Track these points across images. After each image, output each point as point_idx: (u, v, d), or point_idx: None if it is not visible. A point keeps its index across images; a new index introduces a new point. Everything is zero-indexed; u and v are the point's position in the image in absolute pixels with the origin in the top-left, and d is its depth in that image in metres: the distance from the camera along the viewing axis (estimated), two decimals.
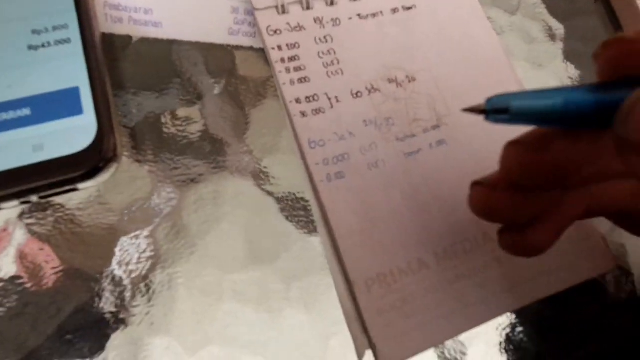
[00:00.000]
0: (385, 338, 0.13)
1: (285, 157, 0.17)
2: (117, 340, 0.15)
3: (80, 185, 0.15)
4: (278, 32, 0.17)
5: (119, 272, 0.15)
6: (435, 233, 0.15)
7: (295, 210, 0.17)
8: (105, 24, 0.18)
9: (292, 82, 0.16)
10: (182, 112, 0.18)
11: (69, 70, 0.15)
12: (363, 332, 0.14)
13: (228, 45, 0.19)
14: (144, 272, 0.16)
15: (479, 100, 0.17)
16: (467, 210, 0.13)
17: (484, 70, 0.18)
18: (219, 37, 0.18)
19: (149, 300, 0.15)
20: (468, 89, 0.18)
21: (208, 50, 0.18)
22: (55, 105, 0.15)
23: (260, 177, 0.17)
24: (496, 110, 0.11)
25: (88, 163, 0.14)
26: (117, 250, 0.16)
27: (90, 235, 0.16)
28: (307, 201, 0.17)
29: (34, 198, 0.14)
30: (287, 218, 0.17)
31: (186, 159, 0.17)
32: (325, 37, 0.17)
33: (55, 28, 0.16)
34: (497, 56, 0.19)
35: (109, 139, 0.15)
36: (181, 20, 0.18)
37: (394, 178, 0.16)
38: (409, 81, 0.17)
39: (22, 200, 0.14)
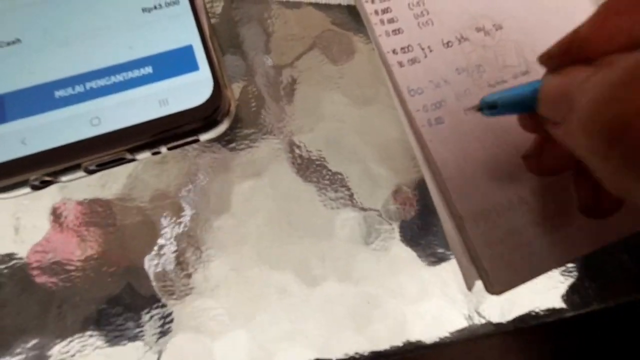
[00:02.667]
0: (496, 268, 0.14)
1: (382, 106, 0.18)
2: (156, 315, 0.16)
3: (201, 137, 0.16)
4: None
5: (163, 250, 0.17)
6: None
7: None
8: None
9: (387, 34, 0.17)
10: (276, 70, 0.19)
11: (181, 29, 0.16)
12: (472, 263, 0.15)
13: (317, 3, 0.19)
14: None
15: None
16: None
17: (568, 14, 0.18)
18: None
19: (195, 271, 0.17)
20: (554, 34, 0.18)
21: (298, 7, 0.19)
22: (173, 63, 0.16)
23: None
24: (488, 106, 0.14)
25: (208, 115, 0.16)
26: (161, 229, 0.17)
27: (138, 214, 0.17)
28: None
29: (164, 149, 0.16)
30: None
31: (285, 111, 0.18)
32: None
33: None
34: (582, 2, 0.19)
35: (225, 92, 0.16)
36: None
37: (487, 122, 0.17)
38: (496, 29, 0.18)
39: (153, 150, 0.16)
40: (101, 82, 0.16)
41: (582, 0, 0.19)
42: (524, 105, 0.13)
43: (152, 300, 0.16)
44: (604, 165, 0.10)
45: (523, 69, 0.18)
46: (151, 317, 0.16)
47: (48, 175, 0.15)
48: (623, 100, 0.09)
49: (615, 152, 0.10)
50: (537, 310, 0.17)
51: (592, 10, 0.11)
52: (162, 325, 0.16)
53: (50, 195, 0.17)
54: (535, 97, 0.12)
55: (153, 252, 0.16)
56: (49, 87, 0.15)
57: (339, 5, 0.20)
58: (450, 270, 0.17)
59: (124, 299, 0.16)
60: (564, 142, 0.12)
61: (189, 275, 0.16)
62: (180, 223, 0.17)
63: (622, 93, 0.09)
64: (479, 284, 0.15)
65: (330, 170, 0.18)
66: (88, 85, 0.15)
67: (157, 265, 0.16)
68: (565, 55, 0.12)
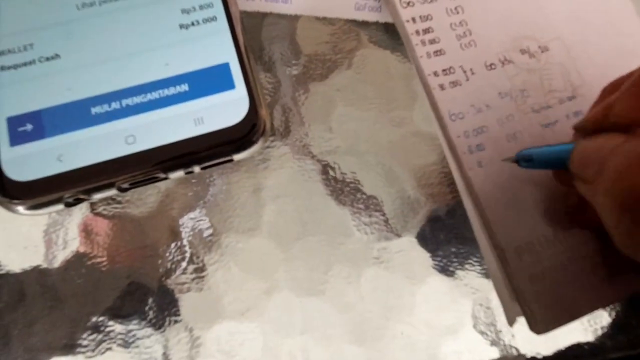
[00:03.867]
0: (540, 306, 0.14)
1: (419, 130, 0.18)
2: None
3: (235, 157, 0.16)
4: (411, 4, 0.17)
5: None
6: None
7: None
8: (239, 1, 0.19)
9: (428, 55, 0.16)
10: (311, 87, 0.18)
11: (218, 47, 0.16)
12: (514, 298, 0.14)
13: (353, 20, 0.19)
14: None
15: (613, 68, 0.17)
16: None
17: (617, 37, 0.18)
18: (345, 12, 0.19)
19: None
20: (601, 57, 0.17)
21: (333, 24, 0.19)
22: (209, 81, 0.16)
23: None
24: (524, 159, 0.15)
25: (243, 135, 0.15)
26: (190, 248, 0.16)
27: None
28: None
29: (197, 168, 0.15)
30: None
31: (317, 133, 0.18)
32: (456, 8, 0.17)
33: (201, 7, 0.17)
34: (630, 21, 0.18)
35: (260, 112, 0.16)
36: None
37: None
38: (542, 51, 0.17)
39: (187, 170, 0.15)
40: (137, 100, 0.15)
41: (632, 18, 0.18)
42: (558, 163, 0.14)
43: (180, 324, 0.16)
44: (615, 226, 0.11)
45: (569, 94, 0.17)
46: (179, 340, 0.16)
47: (82, 193, 0.15)
48: None
49: (626, 217, 0.11)
50: (579, 348, 0.16)
51: None
52: (189, 349, 0.16)
53: (81, 211, 0.17)
54: (568, 156, 0.13)
55: (180, 273, 0.16)
56: (86, 103, 0.15)
57: (376, 23, 0.19)
58: (488, 303, 0.16)
59: (150, 320, 0.16)
60: (588, 198, 0.13)
61: (218, 299, 0.16)
62: (209, 244, 0.17)
63: None
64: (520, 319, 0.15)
65: (364, 194, 0.17)
66: (124, 102, 0.15)
67: (184, 286, 0.16)
68: (598, 128, 0.13)
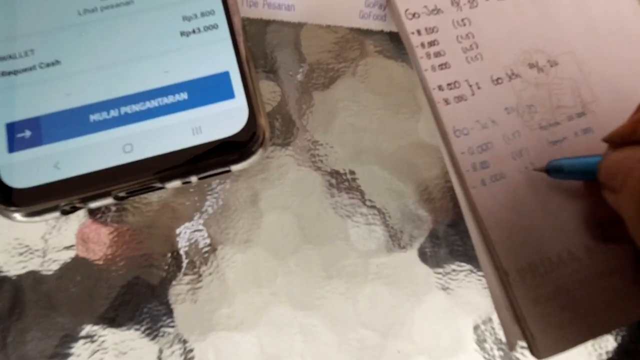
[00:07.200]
0: (543, 330, 0.13)
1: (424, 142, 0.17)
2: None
3: (233, 167, 0.16)
4: (416, 15, 0.17)
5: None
6: (585, 224, 0.15)
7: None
8: (241, 8, 0.18)
9: (433, 68, 0.16)
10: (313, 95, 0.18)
11: (219, 55, 0.16)
12: (516, 322, 0.14)
13: (357, 29, 0.19)
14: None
15: (627, 85, 0.17)
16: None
17: (632, 53, 0.17)
18: (349, 20, 0.18)
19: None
20: (613, 73, 0.17)
21: (336, 32, 0.18)
22: (208, 90, 0.16)
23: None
24: (555, 169, 0.15)
25: (242, 145, 0.15)
26: (186, 258, 0.16)
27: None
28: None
29: (194, 179, 0.15)
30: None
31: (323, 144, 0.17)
32: (463, 20, 0.17)
33: (203, 14, 0.16)
34: None
35: (259, 122, 0.15)
36: (313, 3, 0.18)
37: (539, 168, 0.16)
38: (551, 66, 0.17)
39: (184, 180, 0.15)
40: (136, 107, 0.15)
41: None
42: (588, 174, 0.14)
43: (174, 335, 0.16)
44: (638, 232, 0.12)
45: (579, 110, 0.16)
46: (172, 351, 0.15)
47: (79, 201, 0.15)
48: None
49: None
50: None
51: None
52: None
53: (78, 218, 0.17)
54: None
55: (175, 283, 0.16)
56: (84, 110, 0.15)
57: (381, 32, 0.19)
58: (490, 322, 0.16)
59: (144, 330, 0.16)
60: (615, 209, 0.13)
61: (213, 310, 0.16)
62: (206, 254, 0.16)
63: None
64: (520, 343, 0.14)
65: (365, 207, 0.17)
66: (123, 110, 0.15)
67: (179, 296, 0.16)
68: (626, 141, 0.13)
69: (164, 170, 0.15)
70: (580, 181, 0.15)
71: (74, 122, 0.15)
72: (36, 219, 0.15)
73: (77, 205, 0.15)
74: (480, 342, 0.16)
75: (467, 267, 0.16)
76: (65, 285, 0.16)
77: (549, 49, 0.17)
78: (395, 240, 0.17)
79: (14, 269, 0.16)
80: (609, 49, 0.17)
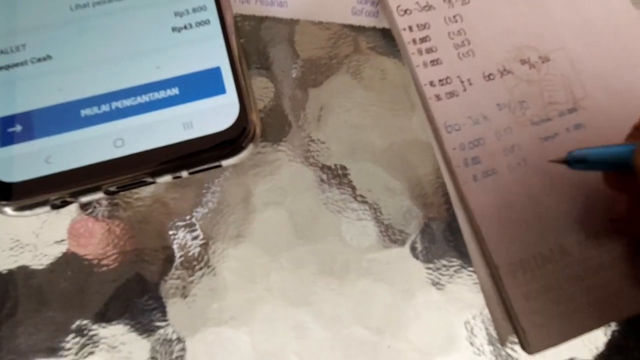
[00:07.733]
0: (533, 325, 0.13)
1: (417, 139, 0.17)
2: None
3: (224, 162, 0.16)
4: (408, 12, 0.17)
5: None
6: (576, 220, 0.15)
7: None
8: (234, 4, 0.18)
9: (425, 65, 0.16)
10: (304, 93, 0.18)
11: (210, 50, 0.16)
12: (506, 317, 0.14)
13: (350, 25, 0.19)
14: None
15: (618, 81, 0.17)
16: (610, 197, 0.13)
17: (623, 48, 0.17)
18: (341, 16, 0.18)
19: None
20: (605, 69, 0.17)
21: (329, 28, 0.18)
22: (199, 85, 0.16)
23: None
24: (577, 160, 0.14)
25: (232, 140, 0.15)
26: (177, 254, 0.16)
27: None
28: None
29: (185, 173, 0.15)
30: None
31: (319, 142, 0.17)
32: (454, 17, 0.17)
33: (195, 10, 0.16)
34: (636, 33, 0.17)
35: (250, 117, 0.15)
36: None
37: (530, 163, 0.16)
38: (543, 62, 0.17)
39: (175, 175, 0.15)
40: (127, 102, 0.15)
41: (638, 30, 0.17)
42: (615, 164, 0.13)
43: (165, 330, 0.16)
44: None
45: (570, 106, 0.16)
46: (164, 347, 0.15)
47: (69, 195, 0.15)
48: None
49: None
50: None
51: None
52: (174, 356, 0.15)
53: (69, 213, 0.17)
54: (629, 156, 0.13)
55: (167, 278, 0.16)
56: (75, 105, 0.15)
57: (374, 28, 0.19)
58: (482, 318, 0.16)
59: (136, 325, 0.16)
60: None
61: (205, 305, 0.16)
62: (198, 250, 0.16)
63: None
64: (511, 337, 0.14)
65: (357, 203, 0.17)
66: (114, 104, 0.15)
67: (171, 292, 0.16)
68: None
69: (155, 165, 0.15)
70: (580, 178, 0.15)
71: (65, 117, 0.15)
72: (27, 213, 0.15)
73: (68, 199, 0.15)
74: (471, 337, 0.16)
75: (458, 262, 0.16)
76: (56, 279, 0.16)
77: (541, 45, 0.17)
78: (387, 237, 0.17)
79: (4, 264, 0.16)
80: (600, 46, 0.17)
